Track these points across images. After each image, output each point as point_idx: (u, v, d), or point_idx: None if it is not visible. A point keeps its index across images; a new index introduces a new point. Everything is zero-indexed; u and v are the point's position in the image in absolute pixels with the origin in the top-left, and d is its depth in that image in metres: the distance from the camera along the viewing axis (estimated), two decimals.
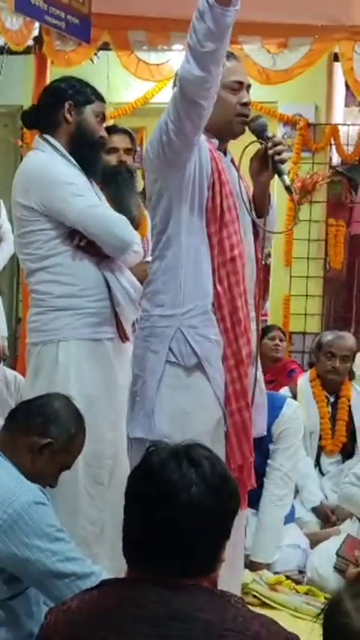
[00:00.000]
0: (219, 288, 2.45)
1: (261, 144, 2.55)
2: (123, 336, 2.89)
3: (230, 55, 2.53)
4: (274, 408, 3.56)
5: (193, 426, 2.34)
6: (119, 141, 3.36)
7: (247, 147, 2.54)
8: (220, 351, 2.46)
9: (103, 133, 2.96)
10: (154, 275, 2.51)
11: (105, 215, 2.85)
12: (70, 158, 2.87)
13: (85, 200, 2.81)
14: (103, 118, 2.97)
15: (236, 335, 2.47)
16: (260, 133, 2.55)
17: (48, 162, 2.84)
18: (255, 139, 2.56)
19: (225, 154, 2.58)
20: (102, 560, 2.73)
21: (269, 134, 2.55)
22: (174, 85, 2.42)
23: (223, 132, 2.53)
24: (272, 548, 3.54)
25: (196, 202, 2.43)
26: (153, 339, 2.46)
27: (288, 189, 2.57)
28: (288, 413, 3.61)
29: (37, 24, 4.93)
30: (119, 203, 3.12)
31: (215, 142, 2.53)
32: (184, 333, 2.43)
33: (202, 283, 2.45)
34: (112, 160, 3.31)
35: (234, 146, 2.61)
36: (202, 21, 2.16)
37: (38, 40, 5.15)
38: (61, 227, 2.82)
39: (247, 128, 2.56)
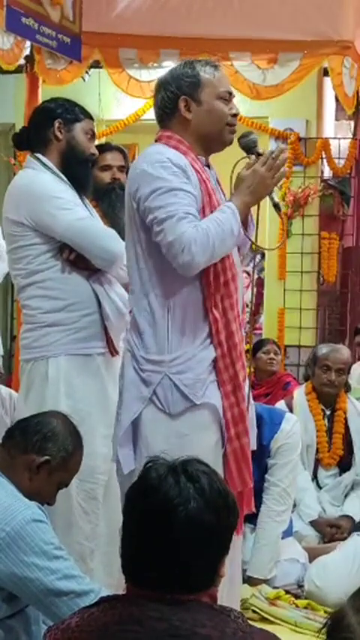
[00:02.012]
0: (216, 313, 2.41)
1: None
2: (113, 351, 2.90)
3: (217, 66, 2.55)
4: (274, 424, 3.56)
5: (192, 448, 2.25)
6: (113, 158, 3.38)
7: (237, 162, 2.55)
8: (213, 377, 2.42)
9: (94, 150, 2.99)
10: (137, 309, 2.44)
11: (93, 228, 2.87)
12: (61, 175, 2.90)
13: (73, 213, 2.83)
14: (93, 136, 3.02)
15: (233, 360, 2.43)
16: (251, 149, 2.55)
17: (36, 178, 2.88)
18: (244, 154, 2.57)
19: (209, 167, 2.56)
20: (98, 576, 2.72)
21: (260, 150, 2.55)
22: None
23: (213, 142, 2.52)
24: (270, 564, 3.52)
25: None
26: (140, 381, 2.41)
27: (277, 206, 2.59)
28: (287, 428, 3.60)
29: (28, 43, 4.96)
30: (113, 220, 3.14)
31: (202, 159, 2.51)
32: (173, 380, 2.38)
33: (191, 325, 2.40)
34: (105, 177, 3.34)
35: (220, 161, 2.62)
36: (224, 244, 2.39)
37: (30, 58, 5.18)
38: (51, 241, 2.84)
39: (234, 143, 2.57)
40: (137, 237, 2.42)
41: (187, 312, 2.40)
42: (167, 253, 2.35)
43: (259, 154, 2.53)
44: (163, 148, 2.44)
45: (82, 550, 2.79)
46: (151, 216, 2.35)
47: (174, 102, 2.47)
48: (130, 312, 2.52)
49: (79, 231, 2.82)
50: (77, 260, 2.85)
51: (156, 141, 2.51)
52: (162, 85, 2.51)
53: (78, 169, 2.93)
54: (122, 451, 2.42)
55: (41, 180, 2.87)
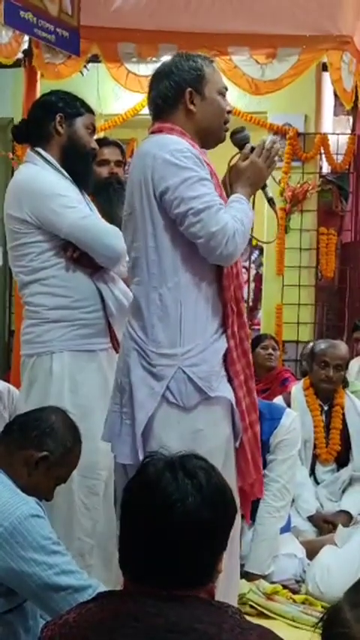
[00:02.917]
0: (232, 304, 2.41)
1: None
2: (116, 347, 2.90)
3: (212, 61, 2.55)
4: (273, 419, 3.57)
5: (206, 443, 2.28)
6: (110, 153, 3.39)
7: (232, 158, 2.55)
8: (224, 372, 2.42)
9: (94, 145, 2.99)
10: (145, 302, 2.39)
11: (97, 226, 2.87)
12: (62, 170, 2.89)
13: (77, 212, 2.82)
14: (94, 130, 3.01)
15: (245, 350, 2.44)
16: (244, 145, 2.55)
17: (39, 175, 2.86)
18: (234, 152, 2.56)
19: None
20: (97, 572, 2.72)
21: (253, 146, 2.55)
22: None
23: (210, 138, 2.51)
24: (268, 560, 3.52)
25: None
26: (150, 377, 2.36)
27: (271, 201, 2.59)
28: (287, 423, 3.60)
29: (26, 37, 4.94)
30: (110, 215, 3.14)
31: (204, 151, 2.50)
32: (186, 372, 2.34)
33: (204, 317, 2.37)
34: (103, 172, 3.34)
35: (214, 158, 2.61)
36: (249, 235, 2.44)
37: (28, 52, 5.16)
38: (55, 239, 2.83)
39: (229, 139, 2.57)
40: (152, 229, 2.37)
41: (199, 303, 2.38)
42: (206, 244, 2.31)
43: (252, 147, 2.53)
44: (176, 138, 2.40)
45: (81, 546, 2.79)
46: (186, 207, 2.30)
47: (178, 93, 2.45)
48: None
49: (84, 229, 2.81)
50: (81, 258, 2.84)
51: (153, 132, 2.47)
52: (164, 75, 2.49)
53: (79, 164, 2.92)
54: (121, 438, 2.40)
55: (44, 178, 2.85)
